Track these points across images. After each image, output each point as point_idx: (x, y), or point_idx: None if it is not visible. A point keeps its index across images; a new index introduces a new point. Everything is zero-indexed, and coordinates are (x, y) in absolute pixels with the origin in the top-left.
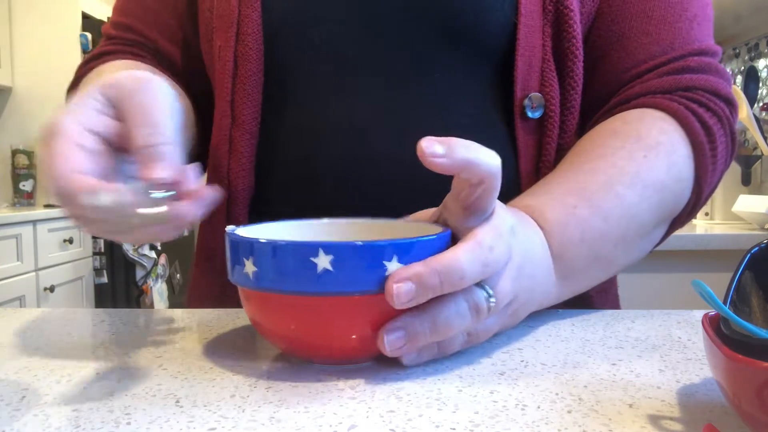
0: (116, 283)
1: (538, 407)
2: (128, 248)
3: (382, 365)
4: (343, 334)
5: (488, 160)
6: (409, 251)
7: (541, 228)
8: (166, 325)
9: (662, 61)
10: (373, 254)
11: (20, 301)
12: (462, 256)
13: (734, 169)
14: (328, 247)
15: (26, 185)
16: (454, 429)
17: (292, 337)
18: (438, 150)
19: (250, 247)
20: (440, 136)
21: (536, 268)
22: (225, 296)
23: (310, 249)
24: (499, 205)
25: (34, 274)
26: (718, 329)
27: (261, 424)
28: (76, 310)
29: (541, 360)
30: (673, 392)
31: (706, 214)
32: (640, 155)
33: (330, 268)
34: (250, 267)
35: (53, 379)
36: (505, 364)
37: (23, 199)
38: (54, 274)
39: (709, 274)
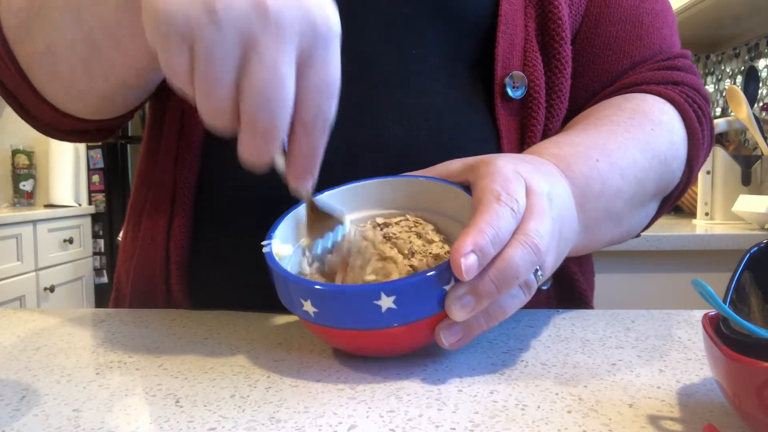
0: None
1: (538, 407)
2: None
3: (382, 365)
4: (405, 349)
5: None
6: None
7: (566, 178)
8: (166, 325)
9: (655, 62)
10: (434, 283)
11: (20, 301)
12: (515, 256)
13: (734, 169)
14: (390, 289)
15: (26, 185)
16: (454, 429)
17: (353, 350)
18: (474, 263)
19: (307, 291)
20: (410, 118)
21: (568, 229)
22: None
23: (372, 293)
24: (529, 170)
25: (34, 274)
26: (718, 329)
27: (261, 424)
28: (76, 310)
29: (541, 360)
30: (673, 392)
31: (706, 214)
32: (648, 127)
33: (394, 306)
34: (309, 307)
35: (53, 379)
36: (505, 364)
37: (23, 199)
38: (54, 274)
39: (709, 274)
